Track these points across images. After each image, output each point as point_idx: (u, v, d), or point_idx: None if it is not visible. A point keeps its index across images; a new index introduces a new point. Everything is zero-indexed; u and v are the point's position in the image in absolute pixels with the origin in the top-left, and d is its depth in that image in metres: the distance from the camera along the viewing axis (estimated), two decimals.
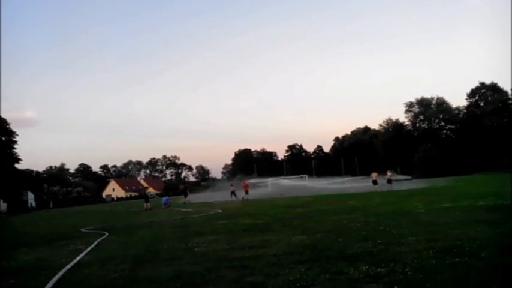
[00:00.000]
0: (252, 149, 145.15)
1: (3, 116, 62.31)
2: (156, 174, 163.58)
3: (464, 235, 7.77)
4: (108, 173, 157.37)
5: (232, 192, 37.63)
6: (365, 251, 6.98)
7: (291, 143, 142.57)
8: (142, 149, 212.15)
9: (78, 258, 8.53)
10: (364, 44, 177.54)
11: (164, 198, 37.02)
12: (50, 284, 6.20)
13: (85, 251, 9.64)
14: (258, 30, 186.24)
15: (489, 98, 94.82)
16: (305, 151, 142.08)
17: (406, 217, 11.90)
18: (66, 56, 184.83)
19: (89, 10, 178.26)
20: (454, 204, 14.65)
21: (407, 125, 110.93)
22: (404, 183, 42.26)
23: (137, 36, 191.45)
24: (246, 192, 38.37)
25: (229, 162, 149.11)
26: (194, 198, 44.15)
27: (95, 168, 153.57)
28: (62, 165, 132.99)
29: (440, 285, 4.73)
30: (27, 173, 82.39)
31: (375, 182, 33.24)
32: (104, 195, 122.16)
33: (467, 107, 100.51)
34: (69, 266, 7.64)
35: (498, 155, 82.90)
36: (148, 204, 33.69)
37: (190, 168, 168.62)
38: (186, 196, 41.16)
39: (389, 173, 34.33)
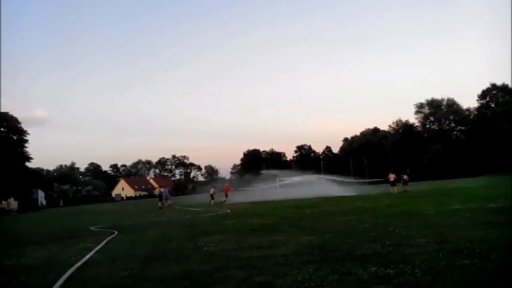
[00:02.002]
0: (261, 149, 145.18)
1: (14, 115, 63.01)
2: (165, 174, 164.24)
3: (474, 237, 7.71)
4: (118, 172, 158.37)
5: (212, 195, 37.18)
6: (374, 252, 6.95)
7: (299, 144, 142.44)
8: (152, 148, 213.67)
9: (87, 257, 8.59)
10: (374, 45, 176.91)
11: (165, 190, 36.52)
12: (60, 281, 6.25)
13: (94, 250, 9.70)
14: (268, 30, 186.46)
15: (500, 100, 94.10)
16: (314, 152, 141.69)
17: (415, 218, 11.84)
18: (77, 55, 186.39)
19: (100, 9, 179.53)
20: (464, 206, 14.54)
21: (417, 126, 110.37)
22: (414, 184, 41.95)
23: (147, 34, 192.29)
24: (226, 196, 37.03)
25: (238, 162, 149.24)
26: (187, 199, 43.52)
27: (105, 167, 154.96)
28: (72, 164, 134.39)
29: (449, 287, 4.70)
30: (38, 171, 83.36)
31: (393, 183, 33.03)
32: (113, 194, 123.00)
33: (478, 108, 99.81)
34: (78, 264, 7.70)
35: (509, 157, 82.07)
36: (161, 203, 33.58)
37: (199, 168, 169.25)
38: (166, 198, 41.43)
39: (405, 176, 34.50)
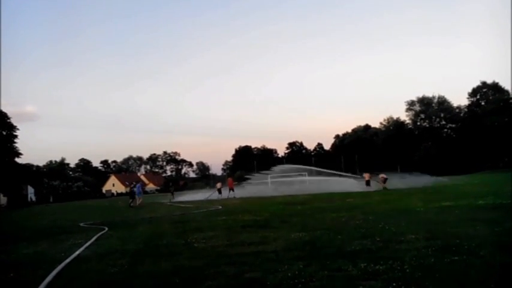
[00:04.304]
0: (253, 146, 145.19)
1: (4, 110, 62.49)
2: (156, 170, 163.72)
3: (463, 233, 7.78)
4: (109, 168, 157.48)
5: (218, 190, 37.26)
6: (364, 249, 6.99)
7: (291, 140, 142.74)
8: (143, 144, 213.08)
9: (77, 253, 8.54)
10: (366, 42, 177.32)
11: (137, 186, 34.77)
12: (49, 277, 6.22)
13: (84, 246, 9.65)
14: (260, 28, 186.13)
15: (490, 98, 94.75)
16: (305, 148, 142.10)
17: (405, 215, 11.90)
18: (67, 51, 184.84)
19: (89, 7, 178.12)
20: (454, 203, 14.65)
21: (408, 123, 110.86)
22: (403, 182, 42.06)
23: (138, 32, 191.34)
24: (231, 190, 36.52)
25: (230, 158, 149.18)
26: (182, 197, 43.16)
27: (95, 163, 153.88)
28: (62, 160, 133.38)
29: (438, 283, 4.74)
30: (28, 167, 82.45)
31: (368, 183, 33.09)
32: (104, 191, 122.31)
33: (469, 106, 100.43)
34: (68, 260, 7.65)
35: (498, 155, 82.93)
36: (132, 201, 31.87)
37: (190, 164, 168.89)
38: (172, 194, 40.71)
39: (382, 175, 34.23)
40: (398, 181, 34.57)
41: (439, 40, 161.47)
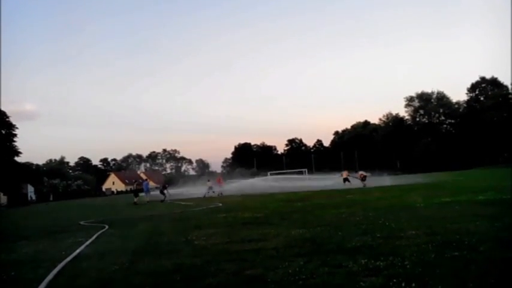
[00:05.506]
0: (252, 143, 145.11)
1: (3, 109, 62.46)
2: (156, 168, 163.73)
3: (463, 229, 7.78)
4: (108, 167, 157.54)
5: (210, 187, 37.42)
6: (364, 245, 6.98)
7: (291, 137, 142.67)
8: (143, 142, 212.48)
9: (78, 251, 8.53)
10: (365, 38, 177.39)
11: (145, 183, 36.12)
12: (50, 276, 6.21)
13: (85, 244, 9.63)
14: (259, 25, 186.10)
15: (489, 93, 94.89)
16: (305, 145, 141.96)
17: (405, 211, 11.91)
18: (67, 49, 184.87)
19: (87, 5, 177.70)
20: (454, 199, 14.65)
21: (407, 119, 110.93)
22: (402, 178, 42.10)
23: (137, 30, 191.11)
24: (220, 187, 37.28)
25: (229, 156, 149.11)
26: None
27: (95, 161, 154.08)
28: (62, 158, 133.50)
29: (439, 278, 4.74)
30: (27, 166, 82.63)
31: (346, 180, 33.03)
32: (103, 189, 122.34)
33: (468, 102, 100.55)
34: (68, 259, 7.64)
35: (498, 150, 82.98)
36: (137, 199, 32.09)
37: (190, 161, 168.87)
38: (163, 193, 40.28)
39: (360, 172, 34.18)
40: (380, 180, 34.76)
41: (438, 35, 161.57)
